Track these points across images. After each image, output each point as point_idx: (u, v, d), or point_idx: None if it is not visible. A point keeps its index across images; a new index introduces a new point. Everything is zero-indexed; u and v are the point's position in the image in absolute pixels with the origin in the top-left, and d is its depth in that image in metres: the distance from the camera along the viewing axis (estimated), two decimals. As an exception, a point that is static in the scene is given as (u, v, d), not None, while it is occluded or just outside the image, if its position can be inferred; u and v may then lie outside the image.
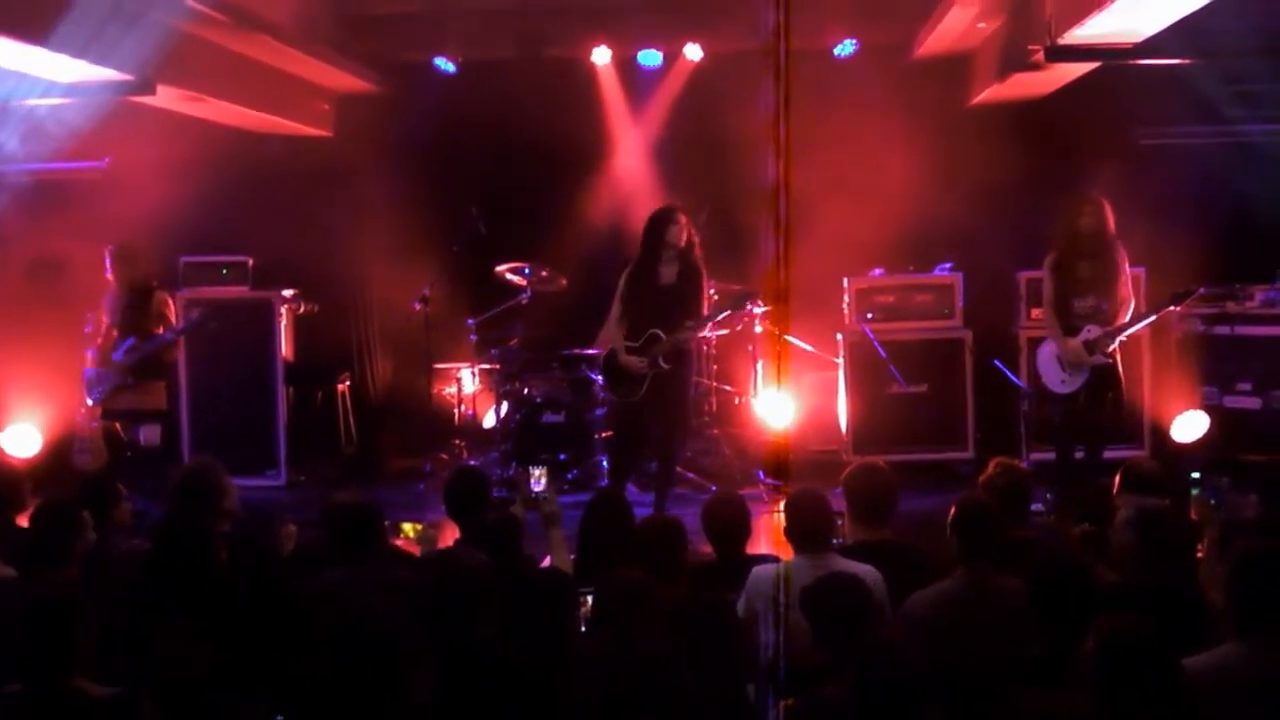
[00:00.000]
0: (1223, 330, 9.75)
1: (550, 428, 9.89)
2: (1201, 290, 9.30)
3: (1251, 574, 4.07)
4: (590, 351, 10.25)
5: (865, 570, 4.78)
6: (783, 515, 5.27)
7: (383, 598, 4.62)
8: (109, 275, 8.98)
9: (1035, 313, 10.06)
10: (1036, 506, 6.25)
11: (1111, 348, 8.13)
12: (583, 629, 4.67)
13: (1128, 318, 8.23)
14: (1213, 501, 5.88)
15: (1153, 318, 8.53)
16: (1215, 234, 9.93)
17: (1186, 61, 8.93)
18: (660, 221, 8.45)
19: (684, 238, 8.45)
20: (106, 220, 9.61)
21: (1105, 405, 8.28)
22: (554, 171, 11.16)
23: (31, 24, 7.57)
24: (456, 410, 10.87)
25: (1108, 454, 8.28)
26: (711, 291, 10.31)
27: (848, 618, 4.14)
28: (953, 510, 4.98)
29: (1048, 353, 8.42)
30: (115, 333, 8.94)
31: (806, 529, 5.12)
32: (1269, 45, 8.76)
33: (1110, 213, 8.21)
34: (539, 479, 6.19)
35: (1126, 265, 8.32)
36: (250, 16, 9.01)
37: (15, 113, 9.36)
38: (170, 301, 9.26)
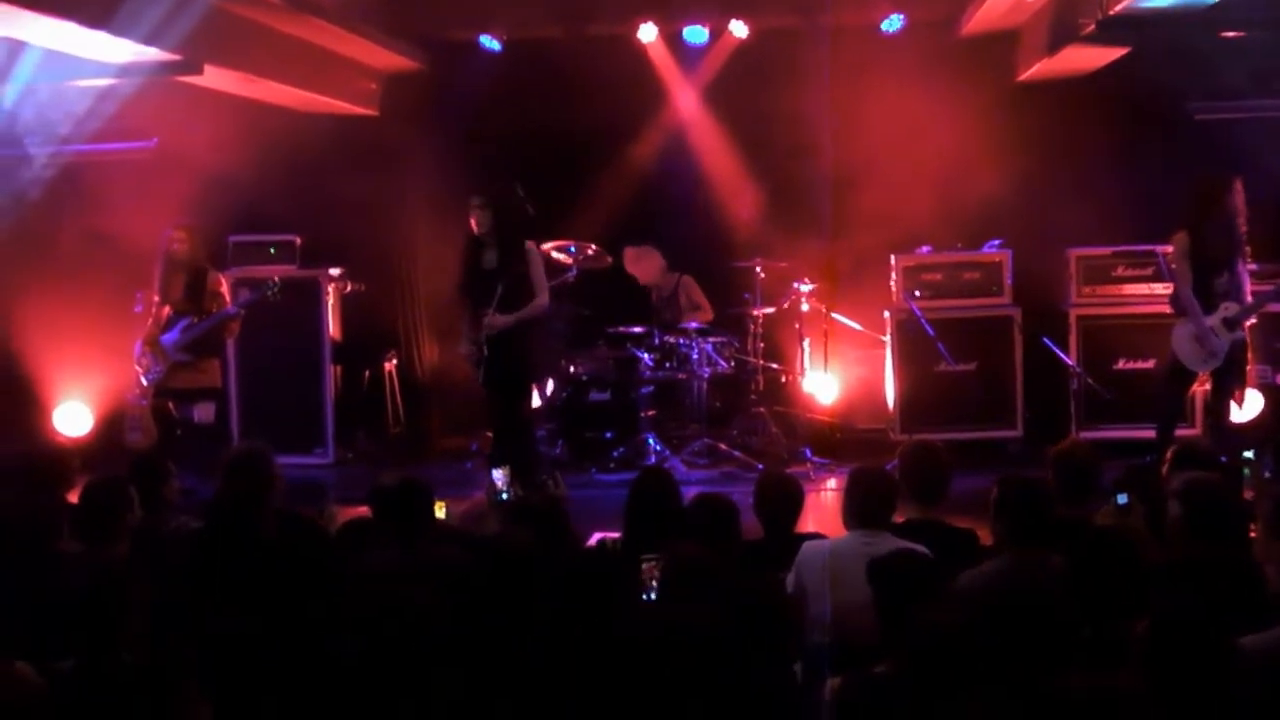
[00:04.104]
0: (1277, 308, 9.60)
1: (596, 406, 9.90)
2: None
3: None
4: (637, 330, 10.25)
5: (919, 550, 4.74)
6: (845, 490, 5.24)
7: (423, 583, 4.60)
8: (174, 253, 8.99)
9: (1086, 290, 9.99)
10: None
11: (1250, 321, 8.22)
12: (651, 596, 4.62)
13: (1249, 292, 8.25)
14: (1267, 474, 5.79)
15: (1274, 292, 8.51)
16: (1270, 209, 9.78)
17: (1240, 34, 8.80)
18: None
19: (483, 223, 8.60)
20: (155, 200, 9.66)
21: (1243, 376, 8.33)
22: (600, 149, 11.10)
23: (83, 5, 7.60)
24: (503, 389, 10.87)
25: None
26: (759, 269, 10.30)
27: (916, 594, 4.09)
28: (994, 492, 4.92)
29: (1184, 333, 8.29)
30: (167, 310, 8.98)
31: (869, 506, 5.08)
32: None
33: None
34: (503, 480, 6.19)
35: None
36: (297, -4, 9.03)
37: (65, 94, 9.42)
38: (223, 280, 9.33)
